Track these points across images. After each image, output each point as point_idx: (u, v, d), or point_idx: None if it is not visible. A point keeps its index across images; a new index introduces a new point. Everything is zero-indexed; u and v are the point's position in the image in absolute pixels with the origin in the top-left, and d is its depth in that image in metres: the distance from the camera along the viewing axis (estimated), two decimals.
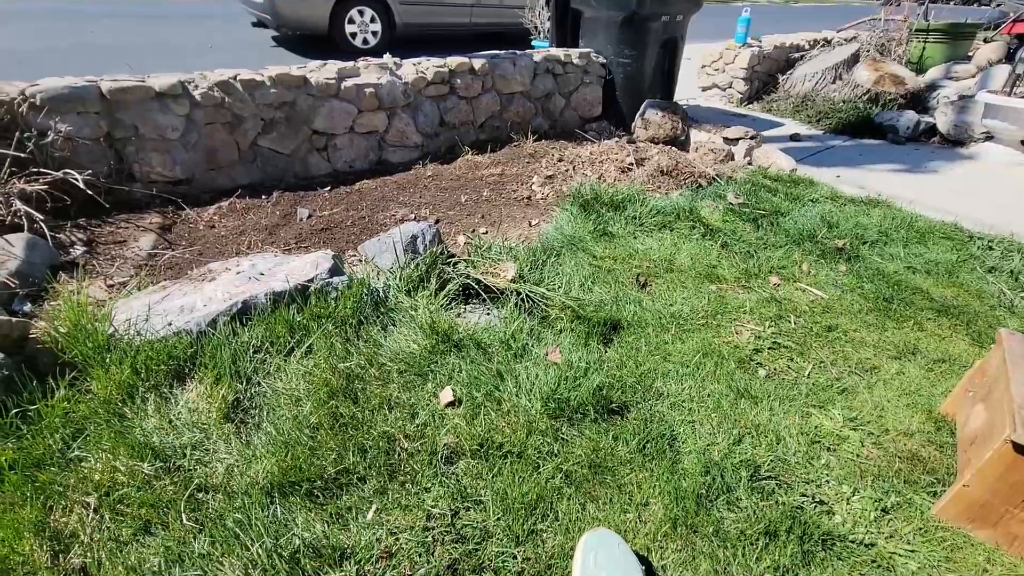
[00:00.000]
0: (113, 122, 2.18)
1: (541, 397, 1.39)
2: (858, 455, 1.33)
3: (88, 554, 0.98)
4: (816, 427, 1.40)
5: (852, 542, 1.12)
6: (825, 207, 2.74)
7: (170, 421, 1.24)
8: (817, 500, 1.21)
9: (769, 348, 1.70)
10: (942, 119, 4.06)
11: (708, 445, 1.32)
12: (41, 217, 1.79)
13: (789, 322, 1.83)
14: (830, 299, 1.98)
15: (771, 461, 1.28)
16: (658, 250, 2.21)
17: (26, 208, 1.79)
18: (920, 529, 1.16)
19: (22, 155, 1.91)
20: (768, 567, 1.05)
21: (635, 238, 2.30)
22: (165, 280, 1.73)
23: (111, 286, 1.70)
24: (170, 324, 1.44)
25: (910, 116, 4.17)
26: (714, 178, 2.96)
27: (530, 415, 1.35)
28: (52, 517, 1.02)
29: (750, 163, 3.37)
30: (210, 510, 1.06)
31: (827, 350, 1.71)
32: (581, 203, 2.46)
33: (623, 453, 1.28)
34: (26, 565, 0.94)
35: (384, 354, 1.52)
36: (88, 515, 1.04)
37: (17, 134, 1.92)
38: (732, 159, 3.39)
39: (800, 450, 1.33)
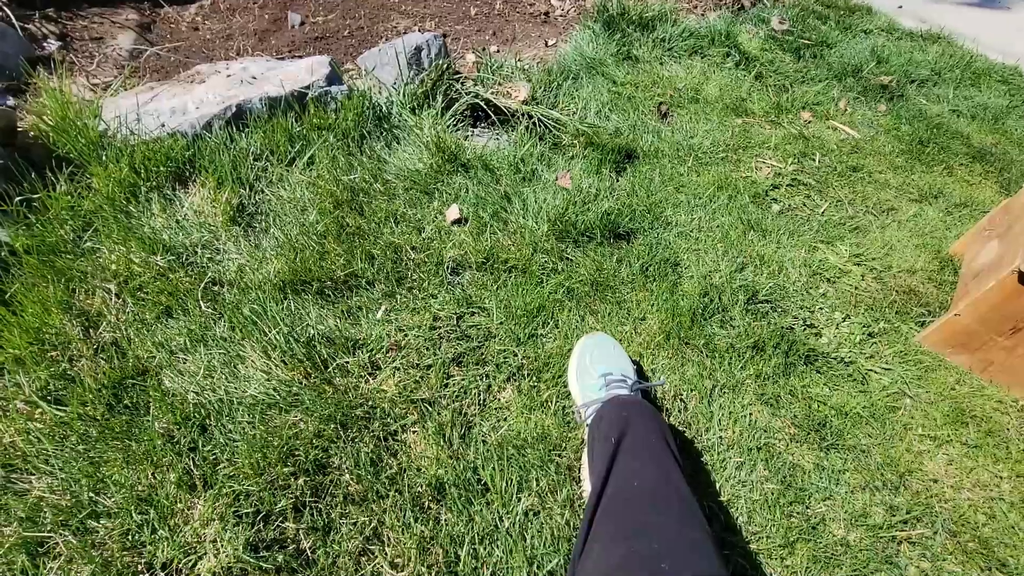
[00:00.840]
0: None
1: (548, 219, 1.38)
2: (856, 287, 1.35)
3: (117, 331, 1.04)
4: (820, 261, 1.41)
5: (833, 359, 1.19)
6: (878, 40, 2.45)
7: (177, 221, 1.24)
8: (808, 324, 1.26)
9: (788, 185, 1.64)
10: None
11: (710, 271, 1.33)
12: (4, 1, 1.60)
13: (813, 160, 1.74)
14: (861, 139, 1.86)
15: (770, 288, 1.31)
16: (685, 78, 2.02)
17: None
18: (901, 352, 1.22)
19: None
20: (751, 375, 1.13)
21: (661, 64, 2.08)
22: (151, 81, 1.61)
23: (95, 85, 1.58)
24: (163, 125, 1.37)
25: None
26: None
27: (536, 236, 1.34)
28: (76, 298, 1.07)
29: None
30: (226, 301, 1.11)
31: (847, 189, 1.65)
32: (605, 20, 2.19)
33: (625, 274, 1.30)
34: (59, 336, 1.01)
35: (389, 170, 1.47)
36: (111, 299, 1.09)
37: None
38: None
39: (800, 280, 1.35)
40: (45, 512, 0.82)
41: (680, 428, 1.05)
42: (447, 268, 1.25)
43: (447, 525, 0.88)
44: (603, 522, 0.69)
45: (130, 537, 0.81)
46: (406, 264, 1.25)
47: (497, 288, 1.23)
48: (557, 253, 1.31)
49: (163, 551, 0.80)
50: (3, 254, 1.08)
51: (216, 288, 1.14)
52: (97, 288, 1.09)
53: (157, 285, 1.11)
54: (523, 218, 1.38)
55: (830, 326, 1.25)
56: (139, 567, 0.79)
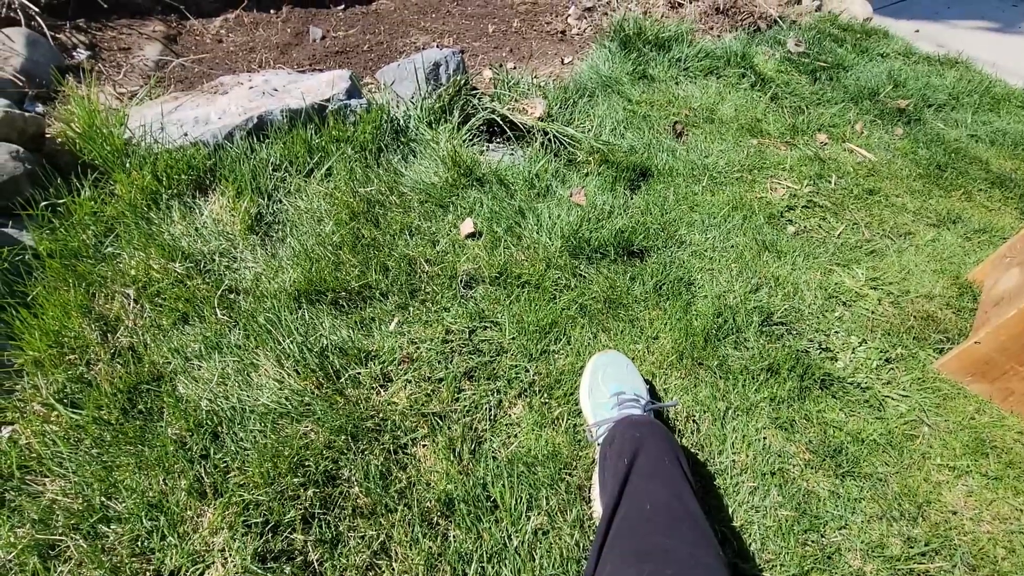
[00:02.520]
0: None
1: (562, 235, 1.38)
2: (873, 312, 1.34)
3: (134, 336, 1.06)
4: (836, 284, 1.40)
5: (850, 384, 1.17)
6: (895, 64, 2.45)
7: (196, 229, 1.26)
8: (824, 347, 1.24)
9: (803, 207, 1.63)
10: None
11: (724, 292, 1.32)
12: (37, 11, 1.66)
13: (829, 182, 1.73)
14: (878, 162, 1.85)
15: (785, 310, 1.30)
16: (700, 98, 2.03)
17: (20, 0, 1.64)
18: (918, 379, 1.20)
19: None
20: (765, 397, 1.12)
21: (677, 83, 2.10)
22: (175, 91, 1.64)
23: (121, 94, 1.62)
24: (185, 134, 1.40)
25: None
26: (776, 20, 2.61)
27: (549, 251, 1.35)
28: (96, 303, 1.09)
29: (820, 8, 2.95)
30: (241, 309, 1.12)
31: (863, 212, 1.64)
32: (621, 39, 2.21)
33: (639, 292, 1.29)
34: (78, 340, 1.02)
35: (405, 183, 1.49)
36: (129, 304, 1.10)
37: None
38: (800, 1, 2.96)
39: (816, 303, 1.33)
40: (57, 515, 0.82)
41: (693, 450, 1.04)
42: (460, 281, 1.25)
43: (455, 542, 0.87)
44: (615, 544, 0.68)
45: (139, 543, 0.81)
46: (420, 276, 1.26)
47: (510, 303, 1.23)
48: (570, 269, 1.31)
49: (171, 558, 0.80)
50: (27, 257, 1.10)
51: (232, 296, 1.15)
52: (116, 293, 1.11)
53: (175, 291, 1.12)
54: (537, 233, 1.39)
55: (846, 350, 1.24)
56: (147, 574, 0.79)
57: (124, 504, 0.84)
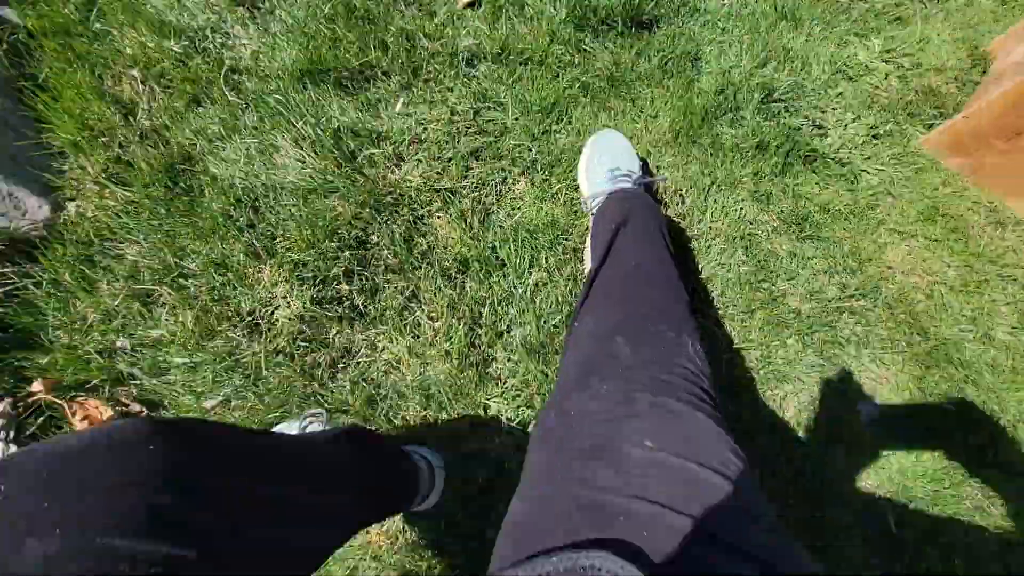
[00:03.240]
0: None
1: (567, 4, 1.29)
2: (877, 87, 1.33)
3: (154, 119, 1.10)
4: (848, 56, 1.36)
5: (831, 159, 1.25)
6: None
7: (179, 1, 1.18)
8: (817, 124, 1.28)
9: None
10: None
11: (731, 67, 1.30)
12: None
13: None
14: None
15: (788, 86, 1.29)
16: None
17: None
18: (899, 154, 1.27)
19: None
20: (748, 173, 1.21)
21: None
22: None
23: None
24: None
25: None
26: None
27: (553, 23, 1.28)
28: (106, 85, 1.11)
29: None
30: (249, 90, 1.14)
31: None
32: None
33: (643, 69, 1.28)
34: (102, 122, 1.07)
35: None
36: (138, 86, 1.12)
37: None
38: None
39: (821, 77, 1.32)
40: (143, 272, 1.00)
41: (676, 220, 1.18)
42: (462, 59, 1.23)
43: (471, 291, 1.07)
44: (599, 292, 0.85)
45: (216, 291, 1.01)
46: (420, 54, 1.23)
47: (513, 82, 1.23)
48: (575, 44, 1.27)
49: (245, 303, 1.01)
50: (20, 37, 1.07)
51: (236, 76, 1.16)
52: (122, 75, 1.11)
53: (178, 72, 1.12)
54: (540, 1, 1.30)
55: (838, 127, 1.28)
56: (229, 313, 1.01)
57: (195, 263, 1.01)
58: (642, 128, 1.23)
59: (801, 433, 1.11)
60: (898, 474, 1.11)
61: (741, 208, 1.19)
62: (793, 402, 1.10)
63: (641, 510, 0.42)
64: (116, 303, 0.99)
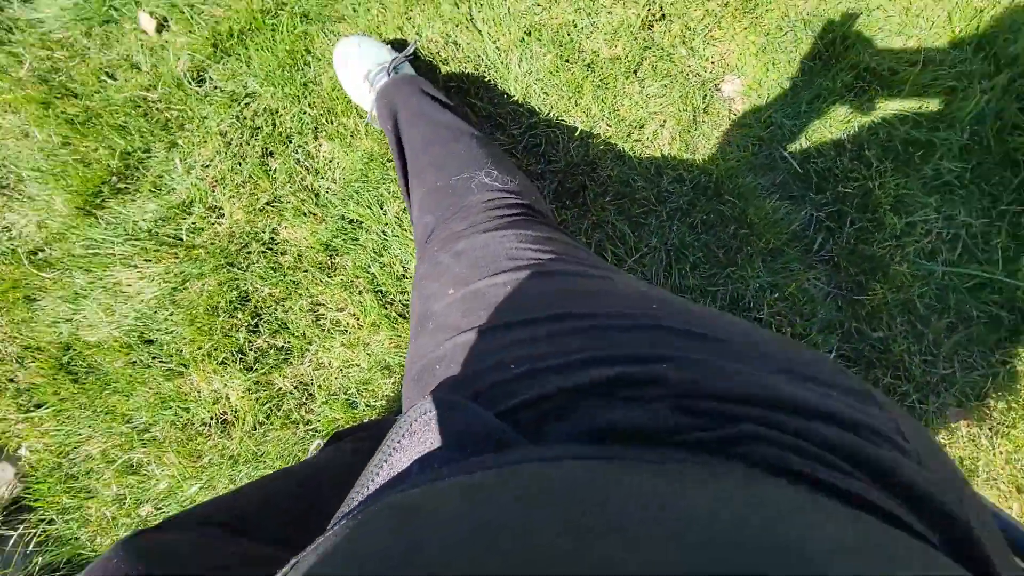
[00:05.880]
0: None
1: None
2: None
3: (13, 341, 1.13)
4: None
5: None
6: None
7: None
8: None
9: None
10: None
11: None
12: None
13: None
14: None
15: None
16: None
17: None
18: None
19: None
20: None
21: None
22: None
23: None
24: None
25: None
26: None
27: None
28: None
29: None
30: (58, 257, 1.14)
31: None
32: None
33: None
34: None
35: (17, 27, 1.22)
36: None
37: None
38: None
39: None
40: (112, 452, 1.08)
41: (462, 64, 1.13)
42: (189, 82, 1.17)
43: (352, 263, 1.09)
44: (414, 184, 0.84)
45: (175, 423, 1.07)
46: (156, 108, 1.18)
47: (247, 63, 1.17)
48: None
49: (202, 413, 1.07)
50: None
51: (39, 255, 1.15)
52: None
53: None
54: None
55: None
56: (198, 430, 1.08)
57: (143, 416, 1.07)
58: (377, 11, 1.16)
59: (697, 157, 1.12)
60: (779, 115, 1.12)
61: (508, 6, 1.13)
62: (664, 135, 1.10)
63: (447, 346, 0.46)
64: (115, 489, 1.08)
